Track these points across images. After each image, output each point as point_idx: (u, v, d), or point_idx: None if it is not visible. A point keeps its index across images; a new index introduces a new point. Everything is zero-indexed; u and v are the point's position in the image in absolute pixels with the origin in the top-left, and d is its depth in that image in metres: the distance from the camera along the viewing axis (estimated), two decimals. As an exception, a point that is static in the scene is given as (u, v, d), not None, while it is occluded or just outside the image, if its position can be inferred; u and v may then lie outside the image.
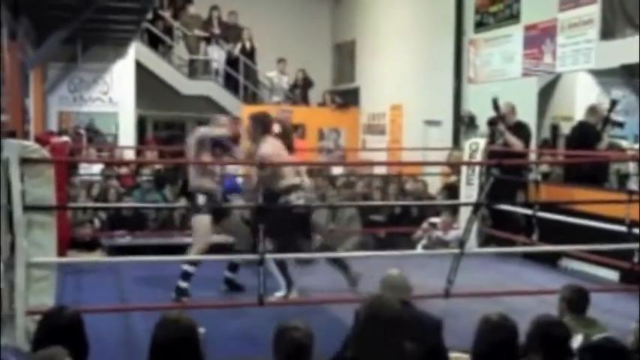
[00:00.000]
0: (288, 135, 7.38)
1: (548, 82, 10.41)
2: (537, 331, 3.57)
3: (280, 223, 6.26)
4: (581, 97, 10.31)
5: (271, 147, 6.61)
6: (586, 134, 8.54)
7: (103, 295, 6.80)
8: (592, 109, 8.72)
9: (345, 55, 17.00)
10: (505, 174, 8.22)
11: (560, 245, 7.38)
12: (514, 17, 10.65)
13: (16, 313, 4.87)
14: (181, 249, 8.27)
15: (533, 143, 9.56)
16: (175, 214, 9.97)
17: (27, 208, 4.93)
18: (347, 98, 15.95)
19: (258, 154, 6.55)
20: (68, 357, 3.02)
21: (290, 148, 7.21)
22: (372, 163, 12.71)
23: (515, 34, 10.60)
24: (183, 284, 6.54)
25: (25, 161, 4.91)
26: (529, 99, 10.05)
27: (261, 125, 6.75)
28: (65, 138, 10.41)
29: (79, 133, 13.36)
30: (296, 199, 6.58)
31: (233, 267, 6.98)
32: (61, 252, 6.53)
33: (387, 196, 10.50)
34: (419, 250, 8.84)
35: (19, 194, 4.89)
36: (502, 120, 9.03)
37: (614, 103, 8.74)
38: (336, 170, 12.60)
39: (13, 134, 9.48)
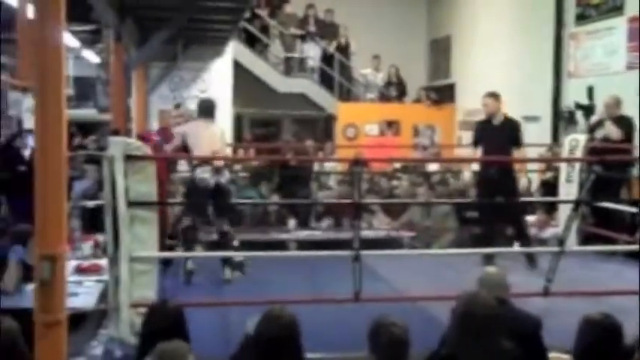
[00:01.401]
0: None
1: (654, 75, 10.05)
2: None
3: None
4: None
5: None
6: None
7: (201, 289, 6.96)
8: None
9: (440, 51, 16.84)
10: (607, 170, 7.97)
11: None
12: (617, 9, 10.33)
13: (121, 305, 5.02)
14: (277, 244, 8.39)
15: (637, 138, 9.23)
16: (271, 210, 10.11)
17: (130, 204, 5.07)
18: (442, 94, 15.79)
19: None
20: (191, 353, 3.12)
21: None
22: (464, 160, 12.54)
23: (618, 26, 10.28)
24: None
25: (128, 158, 5.06)
26: (633, 93, 9.72)
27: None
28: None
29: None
30: (201, 173, 7.22)
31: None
32: (161, 246, 6.72)
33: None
34: (516, 247, 8.68)
35: (123, 190, 5.04)
36: (592, 110, 8.76)
37: None
38: (432, 167, 12.51)
39: (117, 132, 9.81)
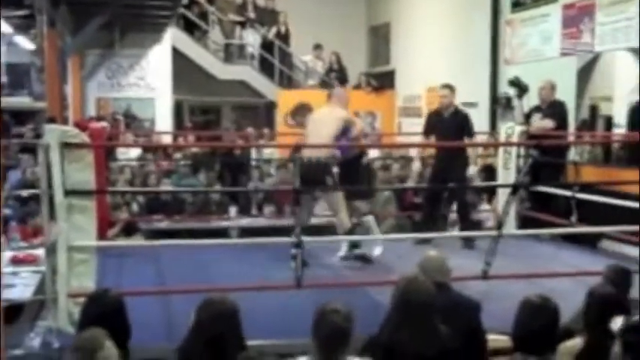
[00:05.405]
0: None
1: (587, 61, 10.25)
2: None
3: None
4: (620, 76, 10.13)
5: None
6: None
7: (142, 278, 6.87)
8: None
9: (380, 38, 16.91)
10: (544, 155, 8.11)
11: (600, 226, 7.27)
12: (552, -4, 10.50)
13: (59, 296, 4.93)
14: (218, 233, 8.33)
15: (572, 124, 9.42)
16: (212, 197, 10.04)
17: (67, 193, 4.97)
18: (382, 81, 15.87)
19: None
20: (108, 339, 3.06)
21: None
22: (405, 145, 12.65)
23: (553, 13, 10.45)
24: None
25: (65, 146, 4.95)
26: (568, 79, 9.91)
27: None
28: (103, 124, 10.52)
29: (116, 119, 13.48)
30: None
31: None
32: (101, 235, 6.61)
33: (422, 179, 10.46)
34: (455, 232, 8.79)
35: (60, 179, 4.94)
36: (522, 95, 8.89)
37: None
38: (372, 153, 12.56)
39: (52, 120, 9.62)
